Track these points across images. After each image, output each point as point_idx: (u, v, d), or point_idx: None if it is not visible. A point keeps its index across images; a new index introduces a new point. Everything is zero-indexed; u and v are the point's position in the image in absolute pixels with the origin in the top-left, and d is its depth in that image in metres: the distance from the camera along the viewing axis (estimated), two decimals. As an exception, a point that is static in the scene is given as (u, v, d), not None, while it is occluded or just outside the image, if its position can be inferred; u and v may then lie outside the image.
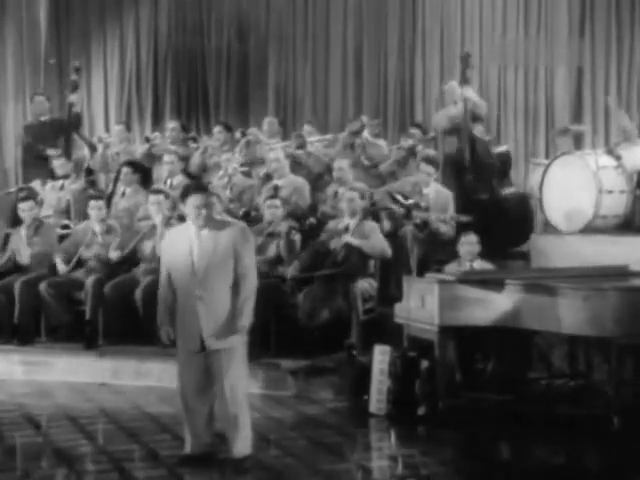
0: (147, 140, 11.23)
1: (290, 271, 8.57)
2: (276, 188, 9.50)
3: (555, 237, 8.95)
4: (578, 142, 10.21)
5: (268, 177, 9.91)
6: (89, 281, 8.95)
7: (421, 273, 8.21)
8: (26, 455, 6.60)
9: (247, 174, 10.30)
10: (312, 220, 9.27)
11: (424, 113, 11.93)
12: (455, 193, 9.36)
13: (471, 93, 10.08)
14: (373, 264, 8.62)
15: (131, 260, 9.09)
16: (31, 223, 9.52)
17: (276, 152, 10.00)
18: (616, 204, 8.72)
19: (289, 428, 7.03)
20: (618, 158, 8.76)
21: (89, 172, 10.96)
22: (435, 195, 9.20)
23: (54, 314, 9.10)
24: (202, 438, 6.05)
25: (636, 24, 11.04)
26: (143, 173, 10.48)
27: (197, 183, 7.63)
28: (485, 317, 7.04)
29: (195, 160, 10.62)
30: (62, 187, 10.37)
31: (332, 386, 7.87)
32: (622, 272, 7.39)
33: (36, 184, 10.63)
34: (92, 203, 9.37)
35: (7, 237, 9.85)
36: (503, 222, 9.53)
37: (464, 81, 10.01)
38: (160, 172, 10.43)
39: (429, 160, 9.38)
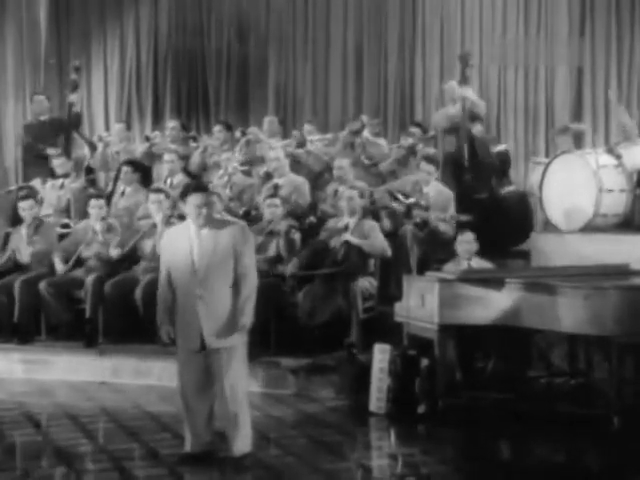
0: (147, 139, 11.23)
1: (289, 268, 8.57)
2: (276, 187, 9.50)
3: (555, 236, 8.95)
4: (578, 141, 10.19)
5: (268, 176, 9.91)
6: (89, 280, 8.95)
7: (421, 272, 8.21)
8: (26, 454, 6.61)
9: (247, 173, 10.30)
10: (312, 219, 9.27)
11: (424, 112, 11.93)
12: (454, 192, 9.36)
13: (470, 93, 10.08)
14: (373, 263, 8.62)
15: (131, 258, 9.10)
16: (31, 222, 9.52)
17: (276, 151, 9.99)
18: (616, 203, 8.72)
19: (289, 427, 7.03)
20: (618, 157, 8.76)
21: (89, 171, 10.96)
22: (435, 194, 9.19)
23: (54, 313, 9.10)
24: (202, 437, 6.05)
25: (636, 24, 11.04)
26: (143, 172, 10.48)
27: (197, 182, 7.63)
28: (485, 316, 7.04)
29: (195, 159, 10.62)
30: (62, 186, 10.37)
31: (332, 385, 7.87)
32: (622, 271, 7.39)
33: (36, 183, 10.63)
34: (92, 202, 9.37)
35: (7, 236, 9.85)
36: (503, 221, 9.53)
37: (463, 81, 10.02)
38: (160, 171, 10.44)
39: (429, 159, 9.39)
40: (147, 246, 8.93)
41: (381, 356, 7.30)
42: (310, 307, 8.28)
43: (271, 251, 8.75)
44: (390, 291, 8.62)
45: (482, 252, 8.20)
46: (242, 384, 6.02)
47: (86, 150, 11.17)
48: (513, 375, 7.56)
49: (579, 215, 8.74)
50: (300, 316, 8.31)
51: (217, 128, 11.01)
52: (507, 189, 9.88)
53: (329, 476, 5.88)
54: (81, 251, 9.19)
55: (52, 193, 10.33)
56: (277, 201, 8.98)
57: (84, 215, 9.69)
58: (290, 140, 10.85)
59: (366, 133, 10.45)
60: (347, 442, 6.72)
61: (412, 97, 12.14)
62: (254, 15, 12.94)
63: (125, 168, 10.22)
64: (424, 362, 7.14)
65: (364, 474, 6.12)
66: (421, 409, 7.08)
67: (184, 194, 5.99)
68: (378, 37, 12.37)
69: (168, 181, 9.98)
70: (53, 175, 10.56)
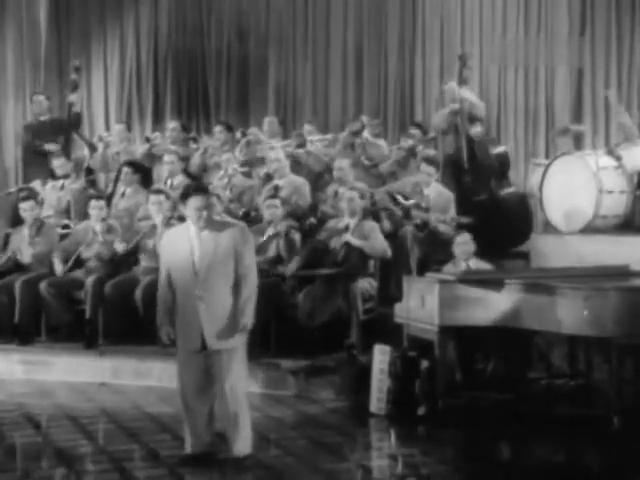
0: (147, 140, 11.23)
1: (291, 267, 8.57)
2: (276, 188, 9.50)
3: (555, 237, 8.95)
4: (578, 142, 10.21)
5: (268, 177, 9.91)
6: (89, 281, 8.96)
7: (421, 273, 8.21)
8: (26, 455, 6.61)
9: (247, 174, 10.30)
10: (312, 220, 9.27)
11: (424, 113, 11.93)
12: (454, 194, 9.36)
13: (468, 94, 10.08)
14: (373, 264, 8.62)
15: (136, 254, 9.09)
16: (33, 223, 9.52)
17: (276, 152, 9.99)
18: (616, 204, 8.72)
19: (289, 428, 7.03)
20: (618, 158, 8.76)
21: (89, 172, 10.96)
22: (436, 196, 9.20)
23: (54, 314, 9.10)
24: (202, 438, 6.06)
25: (636, 24, 11.03)
26: (143, 173, 10.48)
27: (197, 184, 7.63)
28: (485, 317, 7.04)
29: (195, 160, 10.62)
30: (62, 187, 10.37)
31: (332, 386, 7.87)
32: (622, 272, 7.40)
33: (36, 184, 10.63)
34: (93, 203, 9.37)
35: (7, 237, 9.85)
36: (502, 222, 9.53)
37: (461, 81, 10.01)
38: (160, 172, 10.44)
39: (429, 160, 9.38)
40: (149, 244, 8.93)
41: (381, 357, 7.30)
42: (310, 308, 8.29)
43: (271, 252, 8.75)
44: (390, 292, 8.62)
45: (482, 254, 8.20)
46: (242, 385, 6.02)
47: (86, 151, 11.17)
48: (513, 376, 7.57)
49: (579, 216, 8.75)
50: (300, 317, 8.32)
51: (218, 129, 11.01)
52: (506, 191, 9.88)
53: (329, 477, 5.88)
54: (81, 252, 9.19)
55: (52, 194, 10.33)
56: (277, 202, 8.98)
57: (84, 216, 9.69)
58: (290, 140, 10.85)
59: (366, 134, 10.45)
60: (347, 443, 6.72)
61: (412, 98, 12.14)
62: (254, 15, 12.94)
63: (125, 169, 10.22)
64: (424, 363, 7.14)
65: (364, 475, 6.12)
66: (421, 410, 7.08)
67: (184, 196, 5.99)
68: (378, 37, 12.36)
69: (168, 182, 9.98)
70: (53, 176, 10.56)
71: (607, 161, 8.77)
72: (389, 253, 8.56)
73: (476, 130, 9.93)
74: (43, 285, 9.03)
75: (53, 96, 12.13)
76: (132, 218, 9.73)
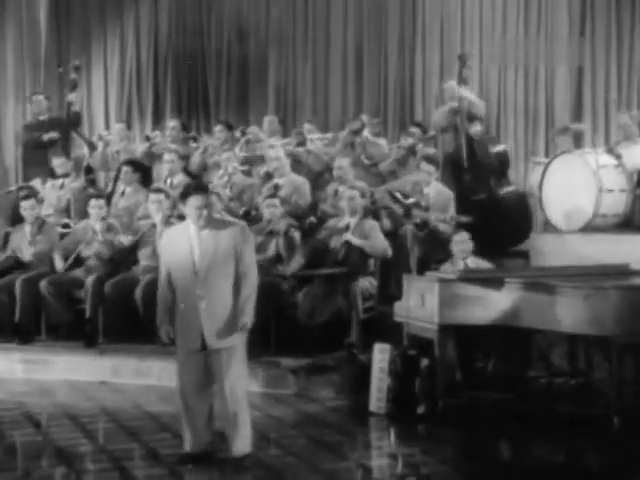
0: (147, 139, 11.23)
1: (293, 265, 8.56)
2: (276, 187, 9.50)
3: (555, 236, 8.95)
4: (578, 141, 10.20)
5: (268, 176, 9.90)
6: (89, 280, 8.96)
7: (421, 272, 8.21)
8: (26, 454, 6.61)
9: (247, 173, 10.30)
10: (312, 219, 9.26)
11: (424, 112, 11.93)
12: (454, 193, 9.35)
13: (468, 93, 10.07)
14: (373, 263, 8.62)
15: (139, 247, 9.08)
16: (34, 222, 9.51)
17: (276, 150, 9.99)
18: (616, 203, 8.72)
19: (289, 427, 7.03)
20: (618, 157, 8.76)
21: (89, 171, 10.96)
22: (435, 195, 9.19)
23: (54, 313, 9.10)
24: (202, 437, 6.05)
25: (636, 24, 11.04)
26: (143, 172, 10.48)
27: (197, 183, 7.60)
28: (485, 316, 7.04)
29: (195, 159, 10.62)
30: (62, 186, 10.37)
31: (332, 385, 7.87)
32: (622, 271, 7.40)
33: (36, 183, 10.62)
34: (92, 202, 9.37)
35: (7, 236, 9.85)
36: (502, 221, 9.53)
37: (461, 81, 10.01)
38: (160, 171, 10.43)
39: (429, 159, 9.38)
40: (150, 241, 8.94)
41: (381, 356, 7.30)
42: (310, 307, 8.28)
43: (271, 251, 8.74)
44: (390, 291, 8.62)
45: (482, 253, 8.20)
46: (242, 384, 6.02)
47: (85, 150, 11.17)
48: (513, 375, 7.57)
49: (579, 215, 8.74)
50: (300, 316, 8.31)
51: (218, 128, 11.01)
52: (506, 189, 9.87)
53: (329, 476, 5.88)
54: (81, 250, 9.19)
55: (52, 193, 10.33)
56: (276, 201, 8.97)
57: (84, 215, 9.69)
58: (290, 139, 10.85)
59: (366, 133, 10.45)
60: (347, 442, 6.72)
61: (412, 97, 12.14)
62: (254, 15, 12.94)
63: (125, 168, 10.22)
64: (424, 362, 7.15)
65: (364, 474, 6.12)
66: (421, 409, 7.08)
67: (184, 195, 5.99)
68: (378, 37, 12.36)
69: (168, 181, 9.98)
70: (53, 175, 10.56)
71: (607, 160, 8.77)
72: (389, 253, 8.56)
73: (476, 129, 9.92)
74: (43, 284, 9.03)
75: (53, 96, 12.13)
76: (132, 217, 9.73)
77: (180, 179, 9.86)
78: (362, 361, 7.59)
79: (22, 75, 12.95)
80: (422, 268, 8.47)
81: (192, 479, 5.90)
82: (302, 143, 10.59)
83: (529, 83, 11.53)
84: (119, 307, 8.87)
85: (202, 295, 5.87)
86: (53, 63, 12.92)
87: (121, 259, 9.18)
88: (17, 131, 12.39)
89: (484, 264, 8.09)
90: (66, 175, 10.47)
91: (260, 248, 8.41)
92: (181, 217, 7.86)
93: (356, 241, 8.45)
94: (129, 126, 12.04)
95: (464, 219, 8.80)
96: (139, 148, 11.25)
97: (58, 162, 10.54)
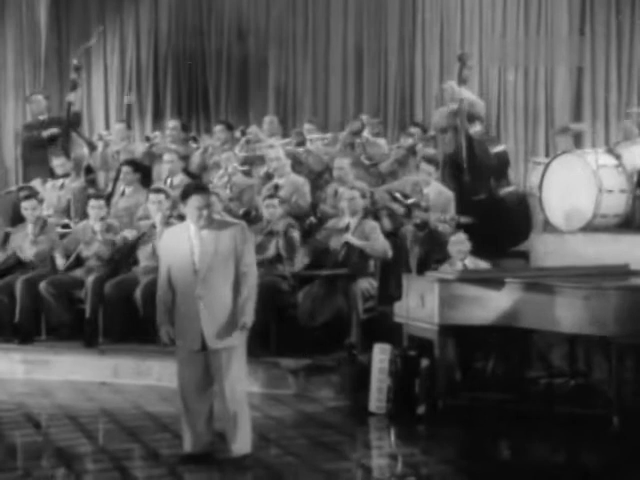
0: (147, 139, 11.23)
1: (298, 263, 8.55)
2: (276, 187, 9.50)
3: (555, 236, 8.94)
4: (578, 141, 10.21)
5: (269, 176, 9.90)
6: (89, 280, 8.95)
7: (421, 273, 8.20)
8: (26, 454, 6.61)
9: (247, 173, 10.30)
10: (312, 219, 9.26)
11: (424, 112, 11.93)
12: (453, 193, 9.35)
13: (468, 93, 10.07)
14: (373, 263, 8.61)
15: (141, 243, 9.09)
16: (36, 222, 9.50)
17: (277, 150, 9.98)
18: (616, 203, 8.71)
19: (289, 427, 7.03)
20: (618, 157, 8.75)
21: (89, 171, 10.96)
22: (435, 195, 9.18)
23: (54, 313, 9.10)
24: (203, 437, 6.06)
25: (636, 23, 11.04)
26: (143, 172, 10.47)
27: (198, 184, 7.63)
28: (485, 316, 7.04)
29: (195, 159, 10.62)
30: (62, 186, 10.37)
31: (332, 385, 7.88)
32: (622, 271, 7.40)
33: (36, 183, 10.62)
34: (92, 202, 9.37)
35: (7, 236, 9.85)
36: (502, 221, 9.52)
37: (461, 81, 10.01)
38: (160, 171, 10.42)
39: (429, 159, 9.37)
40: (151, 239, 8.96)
41: (381, 356, 7.30)
42: (310, 307, 8.28)
43: (270, 251, 8.74)
44: (390, 291, 8.62)
45: (482, 253, 8.20)
46: (242, 384, 6.03)
47: (85, 150, 11.17)
48: (513, 375, 7.58)
49: (579, 215, 8.74)
50: (300, 316, 8.31)
51: (218, 128, 10.99)
52: (506, 190, 9.86)
53: (329, 476, 5.88)
54: (81, 249, 9.18)
55: (52, 193, 10.32)
56: (275, 201, 8.95)
57: (84, 215, 9.68)
58: (290, 139, 10.85)
59: (366, 133, 10.44)
60: (347, 442, 6.73)
61: (412, 97, 12.14)
62: (254, 15, 12.93)
63: (125, 168, 10.21)
64: (424, 362, 7.15)
65: (364, 474, 6.13)
66: (421, 409, 7.08)
67: (185, 196, 6.00)
68: (378, 37, 12.36)
69: (168, 181, 9.97)
70: (53, 175, 10.56)
71: (607, 160, 8.75)
72: (390, 253, 8.54)
73: (475, 129, 9.92)
74: (43, 285, 9.03)
75: (53, 95, 12.14)
76: (132, 217, 9.73)
77: (180, 179, 9.87)
78: (362, 361, 7.59)
79: (22, 75, 12.95)
80: (422, 268, 8.47)
81: (192, 479, 5.90)
82: (302, 143, 10.59)
83: (529, 83, 11.53)
84: (119, 307, 8.87)
85: (202, 295, 5.88)
86: (53, 63, 12.93)
87: (121, 258, 9.18)
88: (17, 131, 12.38)
89: (482, 264, 8.09)
90: (66, 175, 10.46)
91: (260, 248, 8.40)
92: (181, 217, 7.86)
93: (356, 242, 8.45)
94: (129, 126, 12.04)
95: (464, 219, 8.80)
96: (139, 148, 11.23)
97: (58, 162, 10.53)
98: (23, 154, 11.67)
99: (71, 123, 11.19)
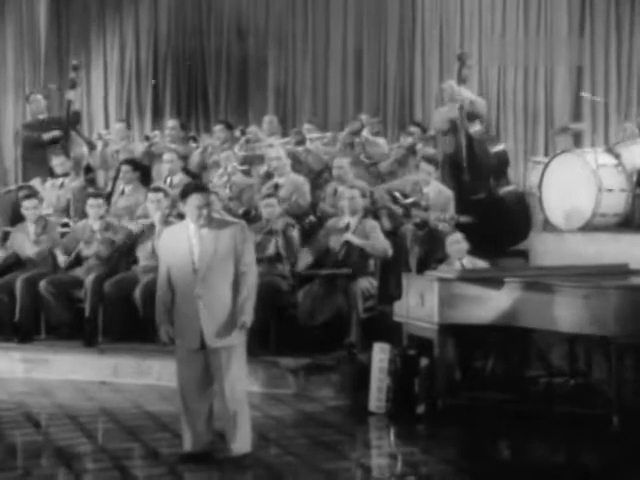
0: (147, 138, 11.23)
1: (302, 262, 8.54)
2: (276, 186, 9.50)
3: (554, 235, 8.94)
4: (577, 140, 10.21)
5: (268, 176, 9.90)
6: (89, 279, 8.95)
7: (421, 272, 8.21)
8: (26, 453, 6.61)
9: (247, 173, 10.30)
10: (312, 218, 9.26)
11: (423, 112, 11.94)
12: (453, 193, 9.35)
13: (468, 93, 10.07)
14: (373, 263, 8.61)
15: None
16: (37, 221, 9.50)
17: (277, 149, 9.99)
18: (616, 202, 8.71)
19: (289, 426, 7.03)
20: (618, 156, 8.76)
21: (88, 170, 10.97)
22: (435, 194, 9.19)
23: (54, 312, 9.10)
24: (202, 436, 6.06)
25: (636, 24, 11.06)
26: (143, 171, 10.47)
27: (197, 183, 7.63)
28: (484, 315, 7.04)
29: (195, 158, 10.62)
30: (62, 185, 10.36)
31: (332, 384, 7.87)
32: (622, 270, 7.39)
33: (36, 182, 10.61)
34: (91, 201, 9.36)
35: (6, 235, 9.85)
36: (501, 221, 9.53)
37: (460, 81, 10.01)
38: (160, 170, 10.42)
39: (429, 159, 9.37)
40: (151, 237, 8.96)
41: (381, 355, 7.30)
42: (310, 307, 8.28)
43: (270, 250, 8.73)
44: (390, 291, 8.62)
45: (481, 252, 8.20)
46: (241, 384, 6.03)
47: (85, 149, 11.17)
48: (512, 375, 7.57)
49: (578, 214, 8.74)
50: (300, 316, 8.31)
51: (218, 127, 10.99)
52: (505, 189, 9.86)
53: (329, 476, 5.88)
54: (81, 249, 9.18)
55: (52, 192, 10.32)
56: (273, 201, 8.94)
57: (84, 214, 9.67)
58: (289, 138, 10.85)
59: (365, 133, 10.44)
60: (347, 442, 6.72)
61: (412, 97, 12.16)
62: (253, 15, 12.94)
63: (124, 167, 10.21)
64: (423, 362, 7.15)
65: (364, 473, 6.12)
66: (420, 409, 7.08)
67: (184, 195, 5.99)
68: (378, 37, 12.38)
69: (168, 180, 9.98)
70: (52, 174, 10.56)
71: (606, 159, 8.75)
72: (390, 253, 8.54)
73: (475, 128, 9.92)
74: (42, 284, 9.02)
75: (53, 95, 12.14)
76: (131, 216, 9.72)
77: (180, 178, 9.87)
78: (362, 361, 7.59)
79: (22, 74, 12.96)
80: (422, 268, 8.47)
81: (192, 479, 5.90)
82: (301, 142, 10.59)
83: (529, 83, 11.54)
84: (119, 307, 8.86)
85: (201, 294, 5.88)
86: (53, 62, 12.94)
87: (121, 256, 9.18)
88: (17, 130, 12.38)
89: (480, 263, 8.09)
90: (66, 174, 10.46)
91: (259, 247, 8.39)
92: (180, 216, 7.86)
93: (357, 241, 8.45)
94: (129, 125, 12.05)
95: (464, 219, 8.80)
96: (138, 147, 11.24)
97: (58, 161, 10.52)
98: (23, 153, 11.67)
99: (71, 122, 11.19)
